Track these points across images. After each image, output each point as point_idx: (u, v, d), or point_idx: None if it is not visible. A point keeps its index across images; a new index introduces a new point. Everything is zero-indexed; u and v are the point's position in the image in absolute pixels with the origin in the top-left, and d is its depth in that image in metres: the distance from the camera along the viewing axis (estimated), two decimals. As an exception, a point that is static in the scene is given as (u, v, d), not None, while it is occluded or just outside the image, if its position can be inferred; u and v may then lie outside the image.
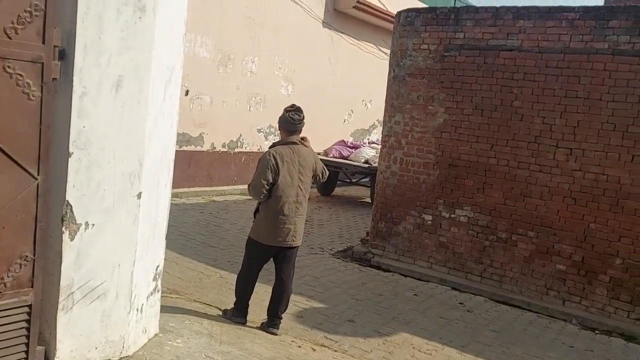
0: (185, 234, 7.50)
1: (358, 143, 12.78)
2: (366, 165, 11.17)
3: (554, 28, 6.10)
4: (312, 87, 13.20)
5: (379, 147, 11.79)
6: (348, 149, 12.04)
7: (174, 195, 9.35)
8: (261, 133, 12.18)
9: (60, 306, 2.94)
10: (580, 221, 5.98)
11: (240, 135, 11.71)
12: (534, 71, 6.22)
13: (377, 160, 10.85)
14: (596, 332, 5.65)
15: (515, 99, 6.36)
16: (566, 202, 6.06)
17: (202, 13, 10.17)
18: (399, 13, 7.41)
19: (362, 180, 13.04)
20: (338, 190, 13.23)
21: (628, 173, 5.71)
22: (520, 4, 6.41)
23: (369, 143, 12.83)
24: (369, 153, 11.46)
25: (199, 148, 10.81)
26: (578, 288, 6.00)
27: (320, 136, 12.43)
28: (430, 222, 6.97)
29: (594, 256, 5.91)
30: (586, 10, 5.95)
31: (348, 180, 12.96)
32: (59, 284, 2.92)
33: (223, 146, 11.37)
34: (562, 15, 6.06)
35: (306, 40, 12.80)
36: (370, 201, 11.72)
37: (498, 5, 6.60)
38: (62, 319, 2.96)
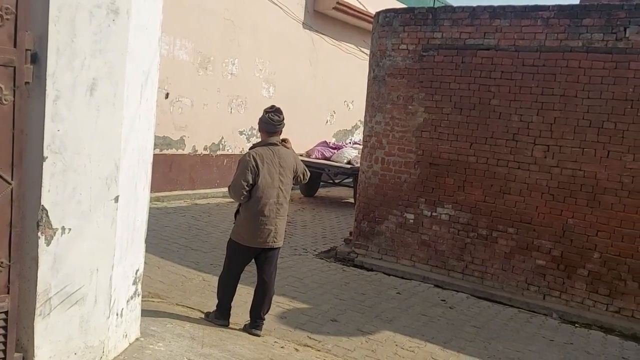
0: (168, 237, 7.46)
1: (340, 144, 12.71)
2: (349, 166, 11.13)
3: (529, 27, 6.19)
4: (294, 89, 13.22)
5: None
6: (330, 149, 11.98)
7: (155, 199, 9.34)
8: (243, 135, 12.15)
9: (37, 312, 2.91)
10: (559, 217, 6.07)
11: (222, 137, 11.67)
12: (511, 69, 6.30)
13: (359, 160, 10.89)
14: (576, 325, 5.74)
15: (493, 97, 6.44)
16: (544, 198, 6.15)
17: (181, 16, 10.13)
18: (378, 14, 7.45)
19: (345, 181, 12.95)
20: (322, 192, 13.26)
21: (604, 168, 5.81)
22: (496, 4, 6.49)
23: (351, 143, 12.77)
24: (352, 154, 11.41)
25: (180, 151, 10.76)
26: (558, 282, 6.09)
27: (303, 137, 12.48)
28: (412, 221, 7.02)
29: (572, 251, 6.00)
30: (560, 9, 6.05)
31: (331, 182, 12.86)
32: (36, 290, 2.89)
33: (205, 149, 11.32)
34: (537, 14, 6.15)
35: (286, 42, 12.82)
36: (353, 202, 11.71)
37: (476, 5, 6.67)
38: (39, 325, 2.92)
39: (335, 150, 11.90)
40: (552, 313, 5.95)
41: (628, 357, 5.08)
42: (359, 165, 10.68)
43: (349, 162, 11.25)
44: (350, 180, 12.25)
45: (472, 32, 6.54)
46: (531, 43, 6.17)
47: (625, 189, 5.70)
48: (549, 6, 6.12)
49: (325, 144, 12.38)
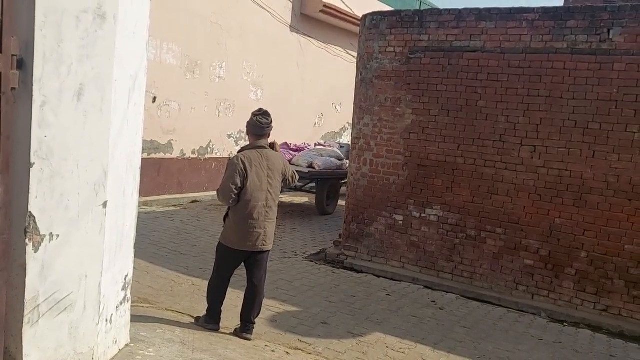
0: (156, 242, 7.42)
1: (302, 145, 11.80)
2: (307, 170, 9.88)
3: (515, 29, 6.26)
4: (282, 92, 13.23)
5: (329, 148, 11.32)
6: (291, 152, 10.90)
7: (144, 204, 9.29)
8: (231, 139, 12.13)
9: (26, 320, 2.88)
10: (546, 216, 6.13)
11: (210, 141, 11.64)
12: (497, 71, 6.36)
13: (322, 164, 10.19)
14: (564, 324, 5.80)
15: (479, 99, 6.49)
16: (532, 199, 6.20)
17: (168, 20, 10.10)
18: (365, 16, 7.49)
19: (307, 186, 11.32)
20: (310, 196, 13.19)
21: (590, 168, 5.88)
22: (483, 5, 6.55)
23: (315, 145, 11.96)
24: (313, 156, 10.55)
25: (168, 155, 10.71)
26: (546, 282, 6.14)
27: (292, 140, 12.47)
28: (401, 222, 7.05)
29: (560, 250, 6.06)
30: (545, 11, 6.12)
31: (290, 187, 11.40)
32: (24, 297, 2.85)
33: (193, 153, 11.29)
34: (522, 16, 6.21)
35: (274, 45, 12.82)
36: (317, 209, 10.89)
37: (462, 7, 6.73)
38: (28, 333, 2.89)
39: (296, 153, 10.86)
40: (540, 312, 6.00)
41: (615, 354, 5.13)
42: (320, 169, 10.11)
43: (310, 166, 10.23)
44: (313, 185, 11.03)
45: (459, 35, 6.59)
46: (517, 45, 6.24)
47: (611, 188, 5.77)
48: (533, 8, 6.19)
49: (285, 145, 11.18)
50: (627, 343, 5.41)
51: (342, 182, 11.45)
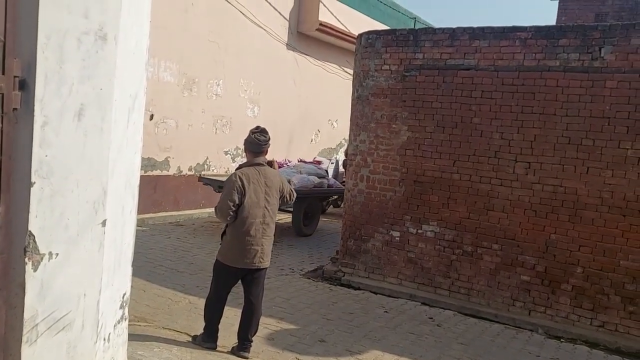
0: (153, 260, 7.40)
1: (282, 162, 11.53)
2: None
3: (508, 47, 6.34)
4: (278, 109, 13.31)
5: (310, 165, 11.08)
6: None
7: (140, 221, 9.26)
8: (228, 155, 12.17)
9: (24, 339, 2.87)
10: (542, 232, 6.17)
11: (207, 158, 11.68)
12: (491, 89, 6.44)
13: (298, 182, 9.75)
14: (561, 340, 5.80)
15: (474, 115, 6.56)
16: (527, 215, 6.24)
17: (166, 38, 10.18)
18: (360, 35, 7.58)
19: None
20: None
21: (584, 184, 5.93)
22: (477, 24, 6.65)
23: (297, 161, 11.78)
24: (290, 174, 10.20)
25: (165, 172, 10.72)
26: (542, 298, 6.16)
27: (288, 157, 12.53)
28: (398, 239, 7.07)
29: (556, 266, 6.09)
30: (537, 29, 6.22)
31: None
32: (23, 317, 2.85)
33: (190, 170, 11.31)
34: (515, 34, 6.31)
35: (271, 63, 12.94)
36: (294, 229, 10.40)
37: (456, 26, 6.83)
38: (26, 352, 2.89)
39: None
40: (537, 328, 6.01)
41: (613, 370, 5.14)
42: (295, 187, 9.59)
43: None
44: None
45: (453, 53, 6.68)
46: (510, 63, 6.32)
47: (605, 204, 5.82)
48: (526, 27, 6.29)
49: None
50: (624, 359, 5.42)
51: (326, 201, 11.31)
